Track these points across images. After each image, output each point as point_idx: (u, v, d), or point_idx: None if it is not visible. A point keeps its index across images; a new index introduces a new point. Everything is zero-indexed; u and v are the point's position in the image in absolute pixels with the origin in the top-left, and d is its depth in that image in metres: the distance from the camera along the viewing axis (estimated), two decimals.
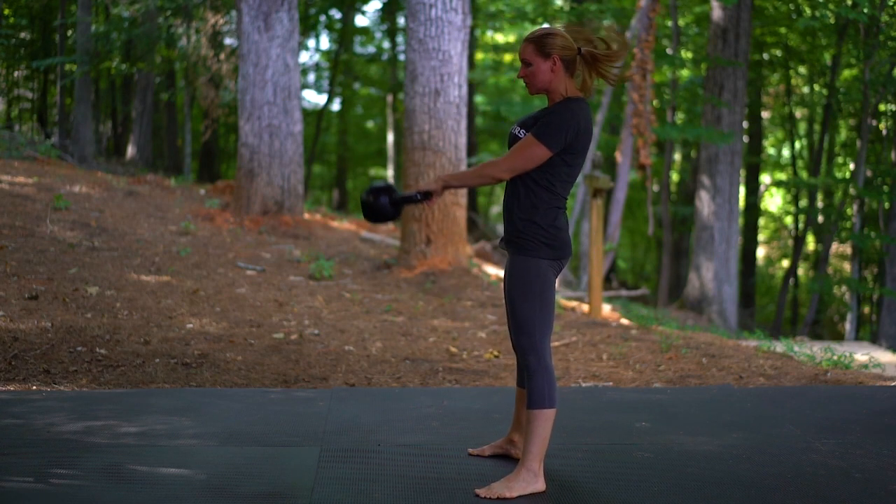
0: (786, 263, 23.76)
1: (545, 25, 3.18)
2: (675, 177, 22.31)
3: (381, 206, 3.34)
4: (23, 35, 18.89)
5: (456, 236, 9.06)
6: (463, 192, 9.14)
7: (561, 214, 3.27)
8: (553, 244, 3.23)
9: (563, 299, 9.56)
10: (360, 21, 25.42)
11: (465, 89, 9.04)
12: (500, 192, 29.13)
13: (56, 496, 3.14)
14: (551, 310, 3.25)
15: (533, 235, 3.22)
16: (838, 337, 18.32)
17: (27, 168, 11.55)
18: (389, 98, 23.04)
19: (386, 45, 23.82)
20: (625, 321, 8.03)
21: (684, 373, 5.60)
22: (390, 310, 7.35)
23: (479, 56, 21.78)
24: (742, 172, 16.73)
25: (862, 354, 7.07)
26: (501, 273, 10.10)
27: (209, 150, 20.66)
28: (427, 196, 3.32)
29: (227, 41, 16.35)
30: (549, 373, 3.21)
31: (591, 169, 12.45)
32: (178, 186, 12.74)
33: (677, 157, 22.33)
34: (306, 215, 11.52)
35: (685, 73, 18.83)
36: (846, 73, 18.42)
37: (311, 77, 24.79)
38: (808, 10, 15.67)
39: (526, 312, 3.21)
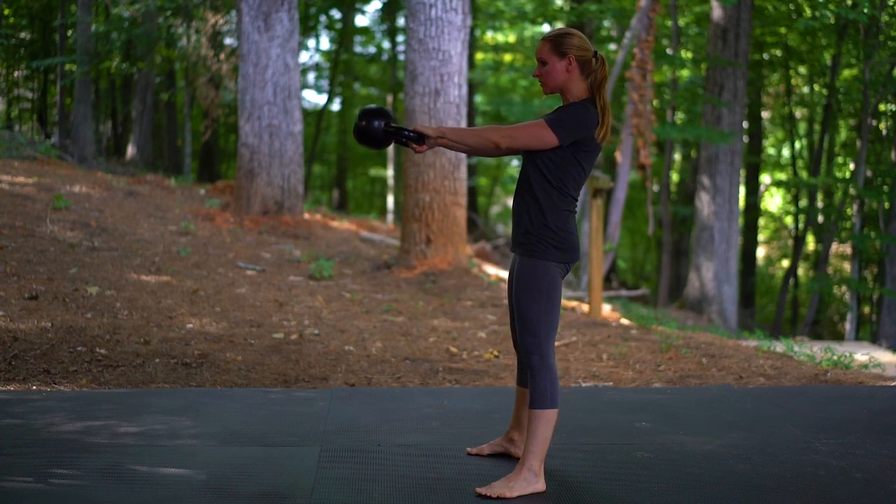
0: (786, 263, 23.76)
1: (561, 26, 3.18)
2: (675, 177, 22.31)
3: (374, 130, 3.27)
4: (23, 35, 18.90)
5: (456, 236, 9.06)
6: (463, 191, 9.13)
7: (571, 218, 3.27)
8: (562, 247, 3.23)
9: (564, 299, 9.57)
10: (360, 21, 25.44)
11: (465, 89, 9.04)
12: (500, 193, 29.13)
13: (56, 496, 3.14)
14: (557, 311, 3.25)
15: (543, 238, 3.22)
16: (838, 337, 18.32)
17: (27, 168, 11.55)
18: (389, 98, 23.03)
19: (386, 45, 23.82)
20: (625, 321, 8.04)
21: (684, 373, 5.60)
22: (390, 310, 7.35)
23: (479, 56, 21.77)
24: (742, 172, 16.73)
25: (862, 354, 7.08)
26: (502, 273, 10.09)
27: (209, 150, 20.66)
28: (420, 139, 3.27)
29: (227, 41, 16.35)
30: (552, 373, 3.21)
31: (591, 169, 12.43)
32: (178, 186, 12.74)
33: (677, 157, 22.33)
34: (306, 215, 11.52)
35: (685, 73, 18.83)
36: (846, 73, 18.41)
37: (311, 77, 24.80)
38: (808, 10, 15.68)
39: (532, 313, 3.21)
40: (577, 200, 3.28)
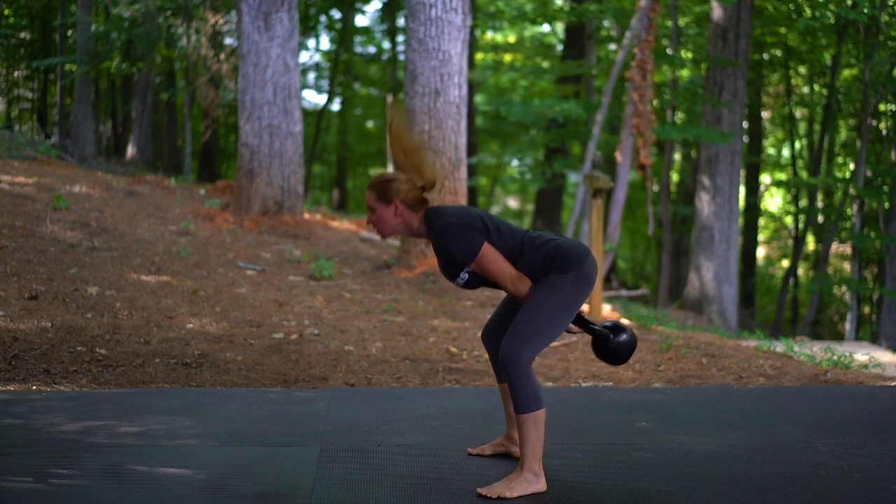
0: (786, 263, 23.76)
1: (385, 171, 3.23)
2: (675, 177, 22.31)
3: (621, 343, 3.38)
4: (23, 35, 18.89)
5: None
6: (463, 192, 9.14)
7: (544, 242, 3.28)
8: (567, 257, 3.23)
9: None
10: (360, 21, 25.44)
11: (465, 89, 9.04)
12: (500, 193, 29.16)
13: (56, 496, 3.14)
14: (557, 331, 3.24)
15: (548, 266, 3.23)
16: (838, 337, 18.31)
17: (27, 168, 11.55)
18: (389, 98, 23.03)
19: (386, 45, 23.82)
20: (625, 321, 8.03)
21: (684, 373, 5.60)
22: (390, 310, 7.35)
23: (479, 56, 21.77)
24: (742, 172, 16.73)
25: (862, 354, 7.07)
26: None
27: (209, 150, 20.66)
28: (580, 321, 3.41)
29: (227, 41, 16.36)
30: (529, 376, 3.18)
31: (591, 169, 12.48)
32: (178, 186, 12.74)
33: (677, 157, 22.32)
34: (306, 215, 11.52)
35: (685, 73, 18.83)
36: (846, 73, 18.41)
37: (311, 77, 24.80)
38: (808, 11, 15.67)
39: (532, 322, 3.19)
40: (524, 233, 3.30)
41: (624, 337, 3.35)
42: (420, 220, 3.29)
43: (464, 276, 3.28)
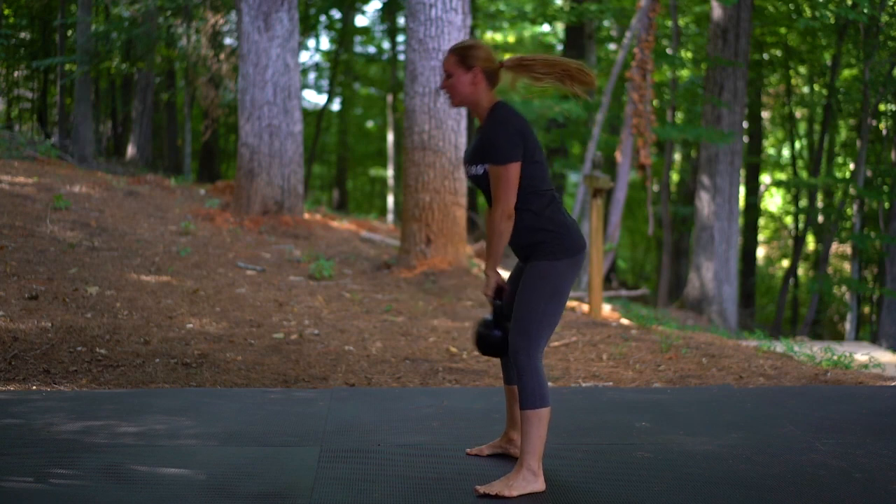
0: (786, 263, 23.76)
1: (469, 40, 3.25)
2: (675, 177, 22.32)
3: (496, 338, 3.38)
4: (23, 35, 18.88)
5: (456, 236, 9.06)
6: (463, 191, 9.15)
7: (559, 210, 3.29)
8: (567, 243, 3.24)
9: None
10: (360, 21, 25.43)
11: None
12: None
13: (56, 496, 3.14)
14: (556, 317, 3.25)
15: (545, 240, 3.23)
16: (838, 337, 18.32)
17: (27, 168, 11.55)
18: (389, 98, 23.04)
19: (386, 45, 23.82)
20: (625, 321, 8.03)
21: (684, 373, 5.60)
22: (390, 310, 7.35)
23: None
24: (742, 172, 16.73)
25: (862, 354, 7.07)
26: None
27: (209, 150, 20.66)
28: (499, 293, 3.38)
29: (227, 41, 16.34)
30: (538, 373, 3.19)
31: (591, 169, 12.46)
32: (178, 186, 12.74)
33: (677, 157, 22.33)
34: (306, 215, 11.52)
35: (685, 73, 18.83)
36: (846, 73, 18.41)
37: (311, 77, 24.80)
38: (808, 11, 15.67)
39: (530, 313, 3.21)
40: (552, 189, 3.31)
41: (497, 332, 3.36)
42: (490, 100, 3.29)
43: (480, 168, 3.25)
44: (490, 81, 3.28)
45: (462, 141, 9.01)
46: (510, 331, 3.25)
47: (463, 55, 3.26)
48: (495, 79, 3.29)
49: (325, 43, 26.27)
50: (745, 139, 18.88)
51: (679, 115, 19.45)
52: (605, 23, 18.90)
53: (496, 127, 3.22)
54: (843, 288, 19.01)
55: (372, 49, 24.45)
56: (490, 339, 3.37)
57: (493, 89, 3.29)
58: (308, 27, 21.47)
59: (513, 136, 3.19)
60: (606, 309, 9.17)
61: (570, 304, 8.91)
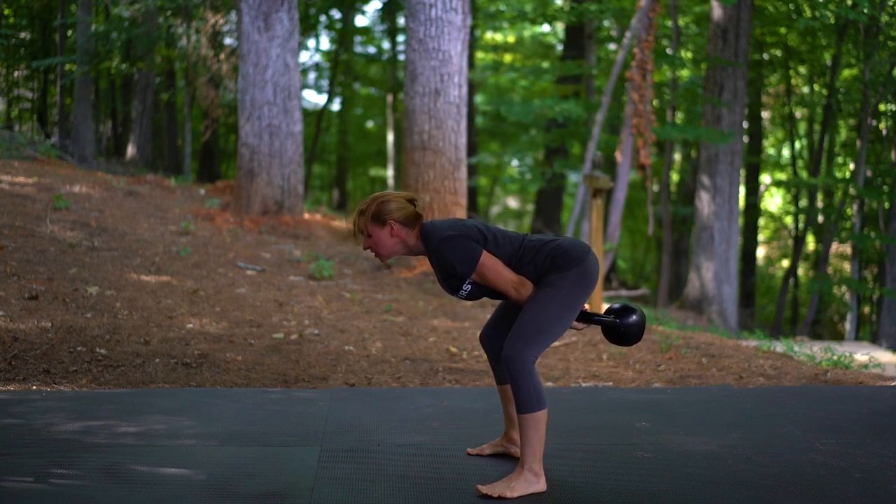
0: (786, 263, 23.76)
1: (375, 194, 3.27)
2: (675, 177, 22.31)
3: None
4: (23, 35, 18.87)
5: None
6: (463, 191, 9.15)
7: (541, 244, 3.28)
8: (566, 256, 3.23)
9: None
10: (360, 21, 25.43)
11: (465, 89, 9.03)
12: (500, 193, 29.13)
13: (56, 496, 3.14)
14: (560, 329, 3.24)
15: (552, 269, 3.23)
16: (838, 337, 18.31)
17: (27, 168, 11.55)
18: (389, 98, 23.05)
19: (386, 45, 23.82)
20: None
21: (684, 373, 5.60)
22: (390, 310, 7.35)
23: (479, 56, 21.76)
24: (742, 172, 16.73)
25: (862, 354, 7.07)
26: None
27: (209, 150, 20.65)
28: (586, 316, 3.41)
29: (227, 41, 16.34)
30: (532, 376, 3.18)
31: (591, 169, 12.45)
32: (178, 186, 12.74)
33: (677, 157, 22.32)
34: (306, 215, 11.52)
35: (685, 73, 18.82)
36: (846, 73, 18.41)
37: (311, 77, 24.79)
38: (808, 11, 15.67)
39: (534, 320, 3.19)
40: (521, 237, 3.31)
41: (634, 318, 3.38)
42: (416, 237, 3.29)
43: (466, 287, 3.27)
44: (409, 224, 3.26)
45: (462, 141, 9.01)
46: (510, 335, 3.22)
47: (374, 214, 3.25)
48: (413, 219, 3.27)
49: (325, 43, 26.29)
50: (745, 139, 18.88)
51: (679, 115, 19.44)
52: (605, 23, 18.90)
53: (441, 251, 3.21)
54: (843, 288, 19.01)
55: (372, 49, 24.46)
56: (630, 329, 3.38)
57: (415, 229, 3.28)
58: (308, 27, 21.46)
59: (459, 243, 3.19)
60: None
61: None
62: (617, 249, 16.06)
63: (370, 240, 3.28)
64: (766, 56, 19.60)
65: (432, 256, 3.26)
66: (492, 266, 3.21)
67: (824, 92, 18.70)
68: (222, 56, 15.47)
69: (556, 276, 3.22)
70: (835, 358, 6.06)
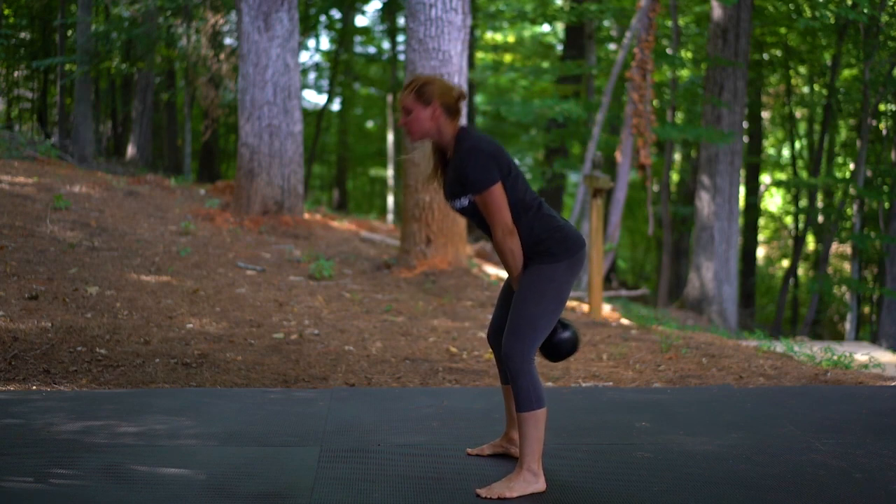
0: (786, 263, 23.76)
1: (422, 74, 3.26)
2: (675, 177, 22.32)
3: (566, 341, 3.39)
4: (23, 35, 18.88)
5: (456, 236, 9.06)
6: None
7: (550, 214, 3.29)
8: (563, 242, 3.24)
9: None
10: (360, 21, 25.44)
11: (465, 89, 9.03)
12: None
13: (56, 496, 3.14)
14: (552, 320, 3.24)
15: (544, 245, 3.24)
16: (838, 337, 18.32)
17: (27, 168, 11.55)
18: (389, 98, 23.05)
19: (386, 45, 23.83)
20: (625, 321, 8.03)
21: (684, 373, 5.60)
22: (390, 310, 7.35)
23: (479, 56, 21.76)
24: (742, 172, 16.74)
25: (862, 354, 7.08)
26: (502, 273, 10.09)
27: (209, 150, 20.66)
28: None
29: (227, 41, 16.35)
30: (532, 375, 3.19)
31: (591, 169, 12.46)
32: (178, 186, 12.74)
33: (677, 157, 22.33)
34: (306, 215, 11.52)
35: (685, 73, 18.83)
36: (846, 73, 18.41)
37: (311, 77, 24.80)
38: (808, 11, 15.67)
39: (527, 315, 3.20)
40: (538, 198, 3.31)
41: (567, 334, 3.36)
42: (453, 132, 3.30)
43: (464, 201, 3.26)
44: (450, 113, 3.28)
45: None
46: (506, 335, 3.22)
47: (420, 91, 3.26)
48: (455, 110, 3.29)
49: (325, 43, 26.31)
50: (745, 139, 18.88)
51: (679, 115, 19.45)
52: (605, 23, 18.90)
53: (466, 157, 3.21)
54: (843, 288, 19.02)
55: (372, 49, 24.46)
56: (562, 345, 3.35)
57: (454, 120, 3.29)
58: (308, 27, 21.47)
59: (485, 161, 3.18)
60: (606, 309, 9.17)
61: (570, 304, 8.91)
62: (617, 249, 16.07)
63: (408, 116, 3.28)
64: (766, 56, 19.61)
65: (456, 155, 3.26)
66: (497, 200, 3.20)
67: (824, 92, 18.70)
68: (222, 56, 15.47)
69: (547, 266, 3.22)
70: (835, 358, 6.06)
